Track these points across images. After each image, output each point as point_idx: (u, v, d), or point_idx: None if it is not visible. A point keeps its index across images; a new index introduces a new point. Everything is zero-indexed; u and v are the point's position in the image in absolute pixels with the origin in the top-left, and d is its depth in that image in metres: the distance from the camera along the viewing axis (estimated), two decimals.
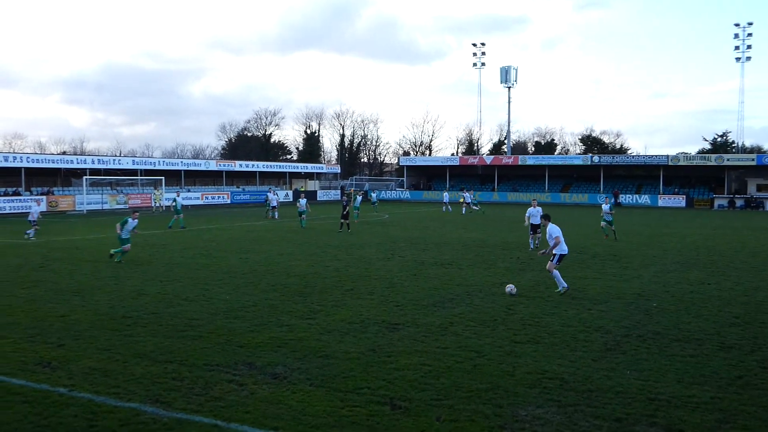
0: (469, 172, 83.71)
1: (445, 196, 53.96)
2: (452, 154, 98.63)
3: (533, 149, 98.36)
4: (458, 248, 23.65)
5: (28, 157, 54.32)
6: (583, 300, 13.58)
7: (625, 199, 67.43)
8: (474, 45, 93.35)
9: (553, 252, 14.38)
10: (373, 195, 55.49)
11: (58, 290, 14.72)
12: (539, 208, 22.71)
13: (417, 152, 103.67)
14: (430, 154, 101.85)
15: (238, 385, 7.94)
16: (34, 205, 30.28)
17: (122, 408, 7.13)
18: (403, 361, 8.93)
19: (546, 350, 9.63)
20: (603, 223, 27.57)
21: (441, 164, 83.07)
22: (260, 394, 7.59)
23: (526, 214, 22.91)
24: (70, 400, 7.41)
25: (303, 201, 36.11)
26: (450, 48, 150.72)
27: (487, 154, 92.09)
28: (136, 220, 20.88)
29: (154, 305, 12.93)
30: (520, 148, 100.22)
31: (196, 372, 8.45)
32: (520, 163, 76.16)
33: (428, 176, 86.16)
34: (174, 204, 34.31)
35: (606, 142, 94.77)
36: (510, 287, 14.11)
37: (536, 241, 23.08)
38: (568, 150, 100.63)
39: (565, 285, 14.19)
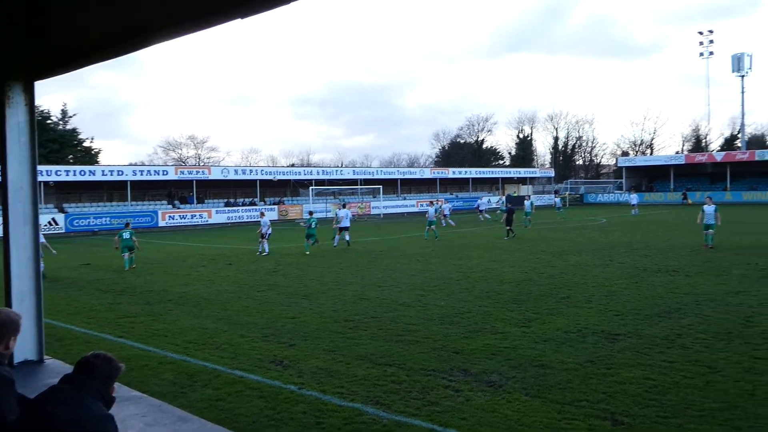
0: (696, 170, 77.33)
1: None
2: (677, 152, 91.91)
3: None
4: (685, 253, 21.94)
5: (262, 170, 59.86)
6: None
7: None
8: (700, 33, 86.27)
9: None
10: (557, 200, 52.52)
11: (288, 293, 15.97)
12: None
13: (637, 152, 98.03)
14: (651, 154, 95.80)
15: (454, 390, 8.03)
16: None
17: (346, 407, 7.52)
18: (624, 374, 8.46)
19: None
20: None
21: (664, 164, 77.61)
22: (476, 401, 7.61)
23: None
24: (299, 397, 7.97)
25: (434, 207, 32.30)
26: (669, 40, 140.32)
27: (718, 150, 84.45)
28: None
29: (374, 310, 13.52)
30: (757, 142, 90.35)
31: (413, 376, 8.69)
32: (757, 158, 68.55)
33: (650, 177, 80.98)
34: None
35: None
36: None
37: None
38: None
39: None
